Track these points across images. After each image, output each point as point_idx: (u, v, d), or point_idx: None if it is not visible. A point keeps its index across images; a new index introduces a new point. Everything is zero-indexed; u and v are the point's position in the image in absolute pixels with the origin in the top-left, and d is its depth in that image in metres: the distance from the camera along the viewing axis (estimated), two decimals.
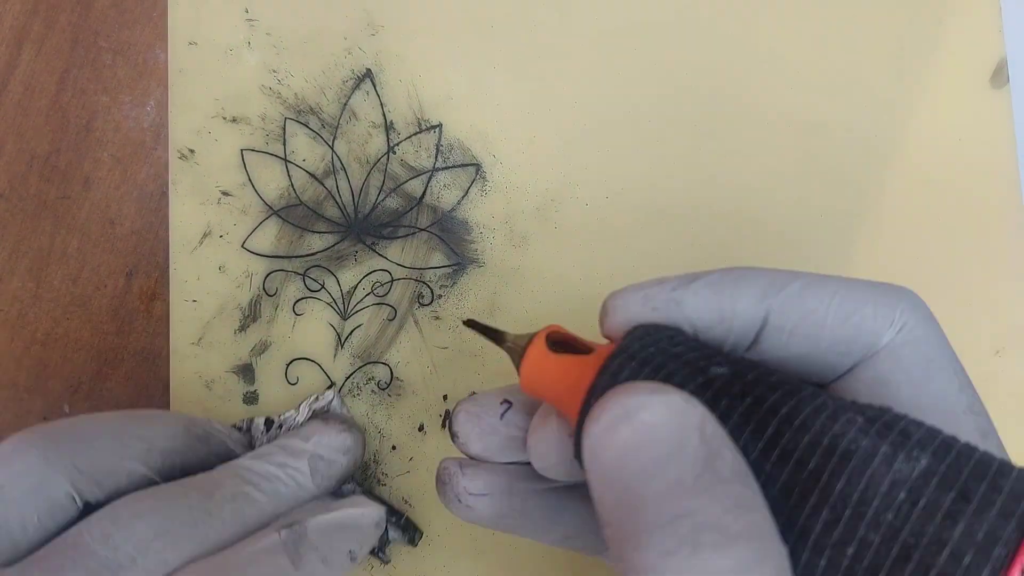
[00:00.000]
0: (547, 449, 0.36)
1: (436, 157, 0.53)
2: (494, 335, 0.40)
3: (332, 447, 0.45)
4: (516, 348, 0.38)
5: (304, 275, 0.51)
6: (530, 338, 0.37)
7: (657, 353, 0.32)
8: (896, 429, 0.28)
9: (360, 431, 0.47)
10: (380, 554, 0.49)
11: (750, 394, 0.30)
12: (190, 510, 0.39)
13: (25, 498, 0.37)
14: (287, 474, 0.43)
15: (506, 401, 0.40)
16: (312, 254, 0.51)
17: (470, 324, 0.41)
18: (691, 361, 0.32)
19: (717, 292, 0.35)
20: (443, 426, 0.51)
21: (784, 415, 0.29)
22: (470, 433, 0.40)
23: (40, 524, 0.37)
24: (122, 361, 0.51)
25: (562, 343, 0.37)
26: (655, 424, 0.28)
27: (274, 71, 0.52)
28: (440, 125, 0.53)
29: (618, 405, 0.28)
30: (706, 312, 0.35)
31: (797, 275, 0.35)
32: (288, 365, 0.51)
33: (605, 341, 0.37)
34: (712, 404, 0.30)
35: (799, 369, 0.35)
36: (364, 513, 0.44)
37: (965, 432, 0.31)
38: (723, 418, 0.30)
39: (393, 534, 0.49)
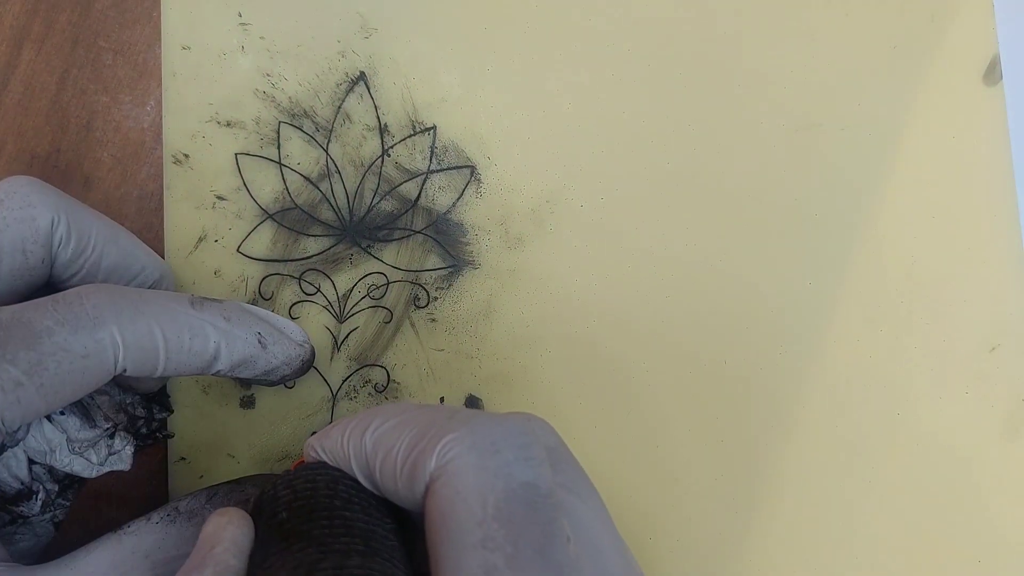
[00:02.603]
0: None
1: (431, 159, 0.53)
2: None
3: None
4: None
5: (300, 279, 0.51)
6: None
7: (269, 493, 0.38)
8: None
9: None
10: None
11: (272, 539, 0.36)
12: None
13: (18, 225, 0.41)
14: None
15: None
16: (307, 257, 0.51)
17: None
18: (273, 505, 0.38)
19: (328, 439, 0.39)
20: None
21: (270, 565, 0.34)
22: None
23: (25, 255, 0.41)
24: None
25: None
26: None
27: (268, 75, 0.52)
28: (434, 127, 0.53)
29: None
30: (337, 460, 0.39)
31: (403, 413, 0.37)
32: None
33: None
34: (263, 533, 0.36)
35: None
36: (286, 324, 0.47)
37: (468, 569, 0.31)
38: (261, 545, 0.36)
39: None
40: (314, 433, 0.42)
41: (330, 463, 0.38)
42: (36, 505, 0.42)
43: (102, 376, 0.39)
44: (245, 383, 0.51)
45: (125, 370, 0.39)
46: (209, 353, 0.42)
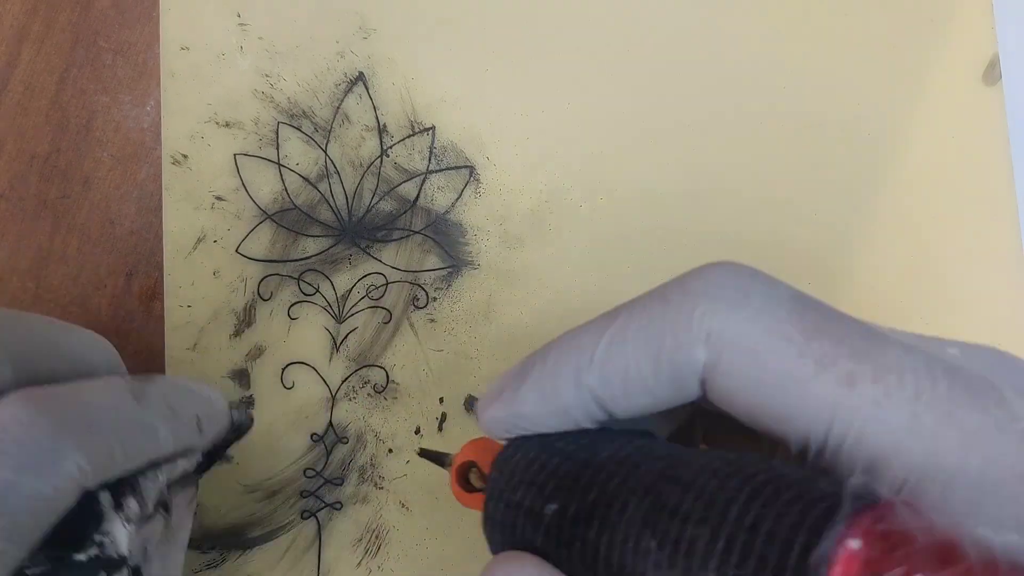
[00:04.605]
0: None
1: (429, 160, 0.53)
2: (439, 460, 0.42)
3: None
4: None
5: (299, 279, 0.51)
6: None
7: (506, 508, 0.34)
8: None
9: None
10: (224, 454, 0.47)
11: (574, 535, 0.31)
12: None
13: None
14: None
15: None
16: (306, 258, 0.51)
17: (422, 454, 0.43)
18: (530, 507, 0.33)
19: (541, 394, 0.35)
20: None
21: (604, 557, 0.30)
22: None
23: None
24: (122, 360, 0.51)
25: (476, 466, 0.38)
26: None
27: (267, 75, 0.52)
28: (433, 127, 0.53)
29: None
30: (547, 418, 0.35)
31: (604, 329, 0.34)
32: (283, 370, 0.51)
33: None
34: (552, 550, 0.32)
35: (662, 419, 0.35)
36: (212, 393, 0.43)
37: (820, 395, 0.29)
38: (565, 561, 0.31)
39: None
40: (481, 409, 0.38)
41: (534, 431, 0.36)
42: None
43: (71, 503, 0.34)
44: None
45: (92, 486, 0.35)
46: (162, 451, 0.39)
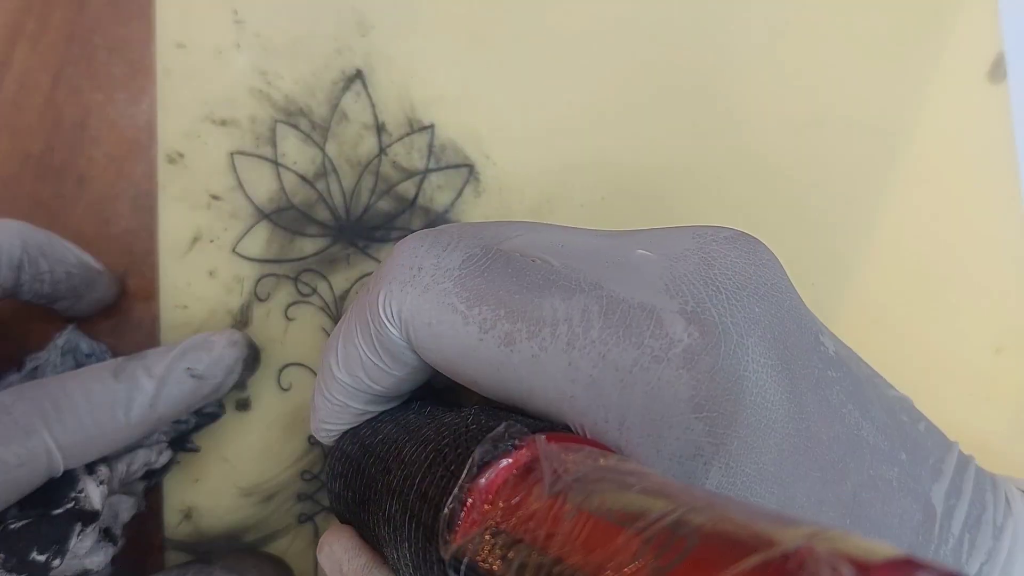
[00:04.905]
0: None
1: (428, 158, 0.52)
2: None
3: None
4: None
5: (296, 279, 0.51)
6: None
7: (331, 496, 0.39)
8: None
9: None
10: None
11: (360, 518, 0.35)
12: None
13: None
14: None
15: None
16: (304, 258, 0.51)
17: None
18: (339, 494, 0.38)
19: (323, 398, 0.38)
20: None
21: (373, 537, 0.34)
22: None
23: None
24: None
25: None
26: None
27: (263, 73, 0.51)
28: (432, 126, 0.52)
29: None
30: (340, 416, 0.38)
31: (340, 327, 0.37)
32: (281, 371, 0.50)
33: None
34: (359, 530, 0.36)
35: None
36: (210, 336, 0.46)
37: (487, 359, 0.31)
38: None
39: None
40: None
41: (343, 427, 0.39)
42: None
43: (41, 477, 0.39)
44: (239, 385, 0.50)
45: (68, 467, 0.40)
46: (153, 416, 0.42)
